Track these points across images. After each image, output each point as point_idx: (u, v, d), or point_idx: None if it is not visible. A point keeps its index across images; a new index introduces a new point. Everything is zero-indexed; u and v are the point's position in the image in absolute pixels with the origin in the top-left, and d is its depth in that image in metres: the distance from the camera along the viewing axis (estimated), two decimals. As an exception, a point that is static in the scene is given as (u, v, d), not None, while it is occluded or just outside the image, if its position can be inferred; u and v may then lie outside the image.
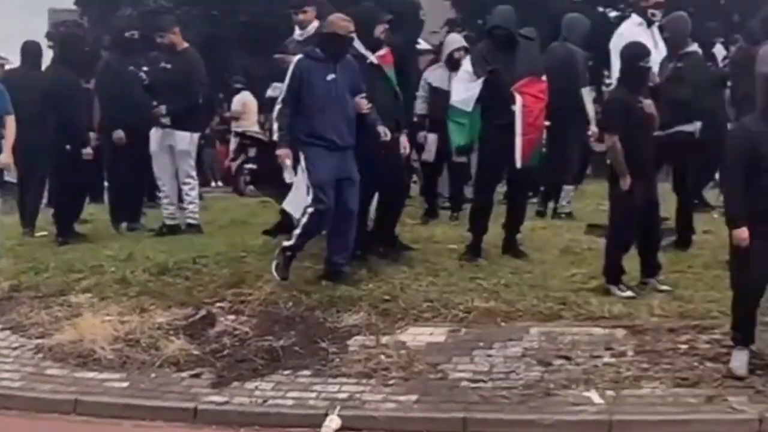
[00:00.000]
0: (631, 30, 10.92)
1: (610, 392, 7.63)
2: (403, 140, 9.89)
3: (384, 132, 9.36)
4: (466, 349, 8.32)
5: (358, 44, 9.60)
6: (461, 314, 8.78)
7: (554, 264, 9.99)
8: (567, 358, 8.11)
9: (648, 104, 8.98)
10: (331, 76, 9.29)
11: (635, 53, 9.18)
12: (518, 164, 10.00)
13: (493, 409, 7.52)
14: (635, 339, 8.29)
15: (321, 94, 9.25)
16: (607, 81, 13.29)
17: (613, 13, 27.82)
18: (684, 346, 8.16)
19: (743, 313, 7.78)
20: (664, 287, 9.09)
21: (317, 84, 9.25)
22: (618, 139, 8.97)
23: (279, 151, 9.27)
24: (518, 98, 9.95)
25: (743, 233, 7.51)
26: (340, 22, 9.37)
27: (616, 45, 10.32)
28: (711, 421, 7.28)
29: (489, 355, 8.20)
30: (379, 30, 9.80)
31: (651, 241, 9.24)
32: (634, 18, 11.31)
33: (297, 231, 9.32)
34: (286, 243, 9.41)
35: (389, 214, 10.22)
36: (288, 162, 9.21)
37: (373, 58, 9.76)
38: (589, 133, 12.37)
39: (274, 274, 9.32)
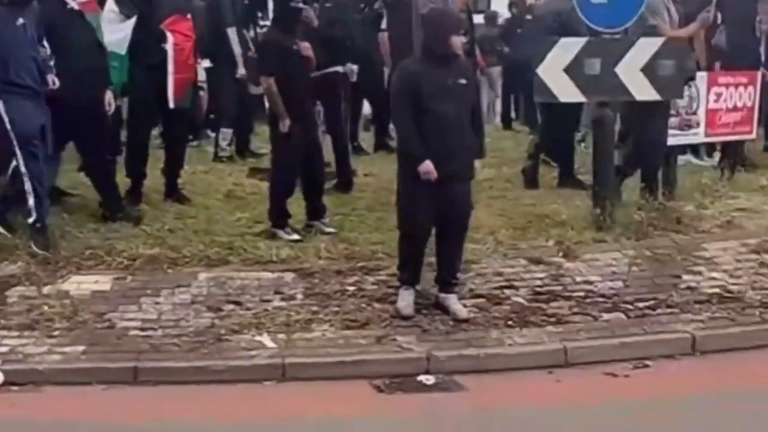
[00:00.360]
0: None
1: (281, 336, 7.63)
2: (108, 96, 9.38)
3: (53, 81, 8.82)
4: (133, 297, 8.08)
5: None
6: (126, 261, 8.53)
7: (218, 209, 9.91)
8: (237, 303, 8.05)
9: (305, 47, 9.00)
10: (20, 21, 8.66)
11: None
12: (171, 104, 9.83)
13: (164, 357, 7.35)
14: (304, 282, 8.34)
15: (13, 40, 8.61)
16: (261, 23, 13.18)
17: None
18: (352, 288, 8.28)
19: (409, 253, 7.97)
20: (330, 230, 9.20)
21: (7, 30, 8.62)
22: (274, 81, 8.95)
23: None
24: (169, 36, 9.76)
25: (429, 165, 7.65)
26: None
27: None
28: (381, 361, 7.43)
29: (157, 303, 8.01)
30: None
31: (315, 184, 9.31)
32: None
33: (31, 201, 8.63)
34: (30, 219, 8.67)
35: None
36: None
37: (73, 3, 9.21)
38: (237, 75, 12.31)
39: (34, 248, 8.59)
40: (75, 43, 9.12)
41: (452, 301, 7.98)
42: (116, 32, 9.71)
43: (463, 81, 7.84)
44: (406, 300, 7.94)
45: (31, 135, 8.54)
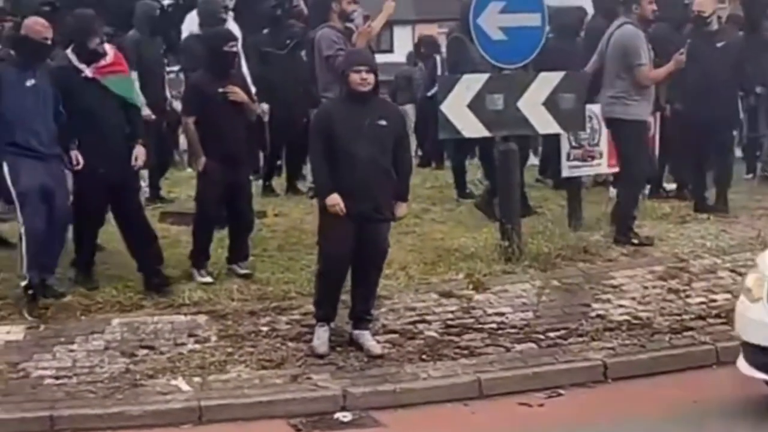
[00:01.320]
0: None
1: (197, 378, 7.65)
2: (137, 152, 8.80)
3: (77, 159, 8.55)
4: (46, 345, 8.03)
5: (71, 55, 8.72)
6: (39, 310, 8.44)
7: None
8: (151, 347, 8.05)
9: (232, 91, 8.97)
10: (30, 82, 8.40)
11: (220, 37, 9.26)
12: None
13: (80, 404, 7.33)
14: (217, 324, 8.37)
15: (20, 102, 8.35)
16: (168, 68, 13.12)
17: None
18: (265, 328, 8.33)
19: (326, 289, 8.04)
20: (244, 271, 9.20)
21: (15, 91, 8.37)
22: (193, 122, 8.99)
23: None
24: None
25: (335, 199, 7.75)
26: (35, 26, 8.52)
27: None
28: (297, 400, 7.48)
29: (71, 350, 7.97)
30: (95, 42, 8.71)
31: (239, 227, 9.29)
32: None
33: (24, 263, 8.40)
34: (23, 282, 8.45)
35: None
36: None
37: (88, 71, 8.67)
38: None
39: (26, 315, 8.37)
40: (91, 112, 8.63)
41: (366, 337, 8.05)
42: None
43: (382, 122, 7.95)
44: (321, 338, 7.99)
45: (31, 192, 8.30)
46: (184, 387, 7.56)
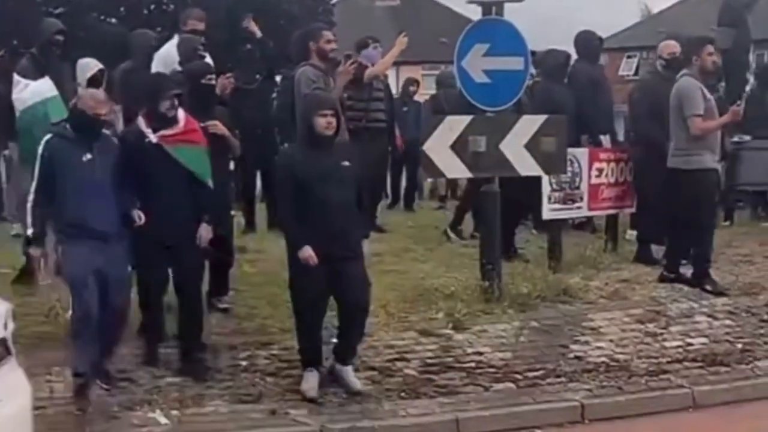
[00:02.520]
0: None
1: (174, 412, 7.61)
2: (202, 230, 8.17)
3: (139, 217, 7.95)
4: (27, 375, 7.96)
5: (141, 118, 8.28)
6: (22, 341, 8.38)
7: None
8: (129, 379, 8.01)
9: (212, 125, 8.90)
10: (86, 157, 7.78)
11: (199, 70, 9.19)
12: None
13: (56, 436, 7.29)
14: (196, 357, 8.34)
15: (75, 178, 7.73)
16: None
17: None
18: (244, 363, 8.32)
19: (306, 332, 8.00)
20: (223, 305, 9.21)
21: (69, 167, 7.75)
22: None
23: (33, 251, 7.96)
24: None
25: (307, 251, 7.73)
26: (89, 100, 7.90)
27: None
28: (273, 436, 7.47)
29: (49, 381, 7.92)
30: (164, 106, 8.08)
31: (222, 260, 9.21)
32: None
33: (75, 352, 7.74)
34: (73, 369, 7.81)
35: None
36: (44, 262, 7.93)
37: (153, 137, 8.09)
38: None
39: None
40: (156, 181, 8.02)
41: (348, 373, 8.05)
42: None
43: (345, 163, 7.99)
44: (309, 383, 7.95)
45: (80, 279, 7.64)
46: (162, 420, 7.53)
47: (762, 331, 9.63)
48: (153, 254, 8.04)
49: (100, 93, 8.42)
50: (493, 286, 9.66)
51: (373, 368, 8.36)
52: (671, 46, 11.39)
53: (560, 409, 8.06)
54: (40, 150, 7.83)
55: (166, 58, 10.48)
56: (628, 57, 50.15)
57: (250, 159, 11.81)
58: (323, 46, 10.34)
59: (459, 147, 9.74)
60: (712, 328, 9.59)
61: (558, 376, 8.46)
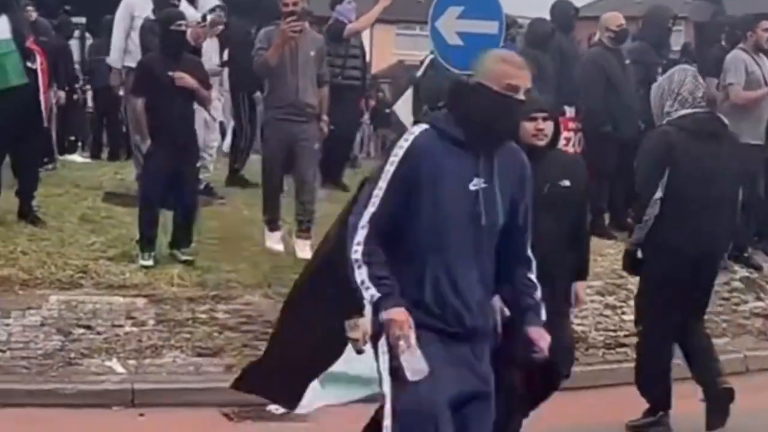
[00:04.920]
0: None
1: (132, 361, 7.68)
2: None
3: None
4: (-18, 318, 7.98)
5: None
6: (-24, 281, 8.40)
7: (73, 232, 9.75)
8: (88, 327, 8.03)
9: (178, 76, 8.88)
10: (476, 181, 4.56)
11: (168, 17, 9.12)
12: (44, 123, 9.97)
13: (13, 379, 7.35)
14: (156, 308, 8.34)
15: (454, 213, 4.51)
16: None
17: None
18: (204, 316, 8.33)
19: None
20: (186, 257, 9.17)
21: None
22: (142, 103, 8.97)
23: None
24: (37, 56, 9.73)
25: None
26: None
27: None
28: (230, 389, 7.45)
29: (7, 324, 7.94)
30: None
31: (180, 215, 9.17)
32: None
33: None
34: None
35: None
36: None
37: None
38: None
39: None
40: None
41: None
42: None
43: None
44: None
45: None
46: (119, 369, 7.58)
47: (720, 308, 9.68)
48: None
49: None
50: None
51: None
52: (618, 18, 11.41)
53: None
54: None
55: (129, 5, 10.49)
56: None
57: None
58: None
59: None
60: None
61: (516, 346, 8.49)
